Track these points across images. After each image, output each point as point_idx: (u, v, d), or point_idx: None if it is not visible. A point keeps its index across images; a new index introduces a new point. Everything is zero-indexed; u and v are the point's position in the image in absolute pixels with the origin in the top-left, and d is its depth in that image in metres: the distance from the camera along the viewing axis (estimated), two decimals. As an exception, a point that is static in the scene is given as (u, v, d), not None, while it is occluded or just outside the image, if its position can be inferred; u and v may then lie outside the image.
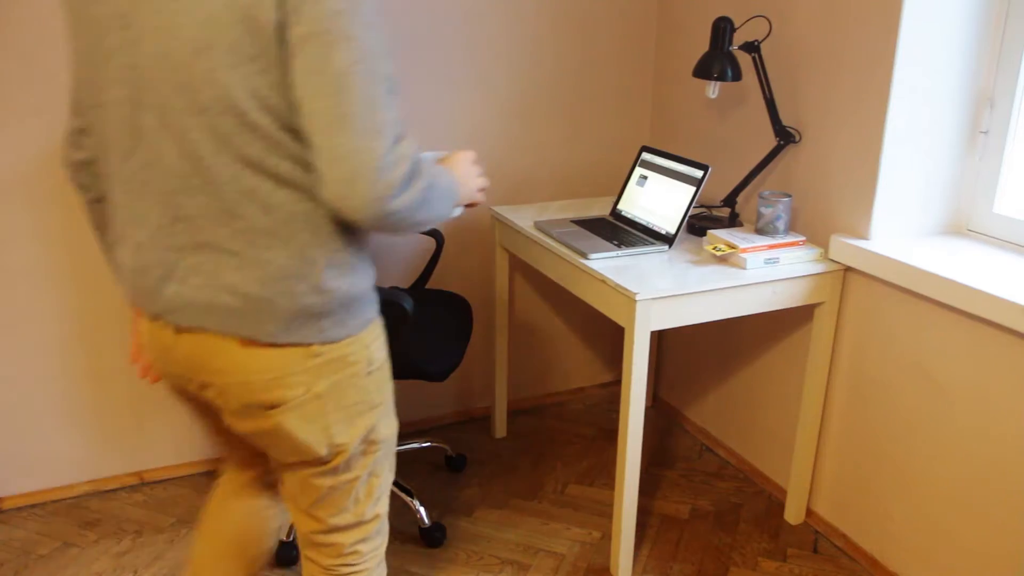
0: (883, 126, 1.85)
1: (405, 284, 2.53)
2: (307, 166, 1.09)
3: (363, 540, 1.34)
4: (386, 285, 2.51)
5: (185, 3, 1.02)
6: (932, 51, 1.82)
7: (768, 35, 2.12)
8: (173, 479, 2.41)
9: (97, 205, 1.31)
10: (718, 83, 2.10)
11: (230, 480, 1.49)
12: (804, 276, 1.94)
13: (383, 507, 1.35)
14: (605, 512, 2.27)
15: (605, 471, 2.48)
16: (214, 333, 1.14)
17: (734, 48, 2.08)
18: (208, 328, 1.14)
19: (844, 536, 2.14)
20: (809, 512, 2.25)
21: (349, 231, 1.16)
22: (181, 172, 1.08)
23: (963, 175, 1.96)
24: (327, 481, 1.26)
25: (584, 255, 1.97)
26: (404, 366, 1.97)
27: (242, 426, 1.22)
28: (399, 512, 2.27)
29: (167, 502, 2.30)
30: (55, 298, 2.15)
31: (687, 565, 2.08)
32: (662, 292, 1.79)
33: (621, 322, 1.84)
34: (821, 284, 1.98)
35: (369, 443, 1.27)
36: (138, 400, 2.32)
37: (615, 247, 2.01)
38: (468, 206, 1.37)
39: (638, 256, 1.99)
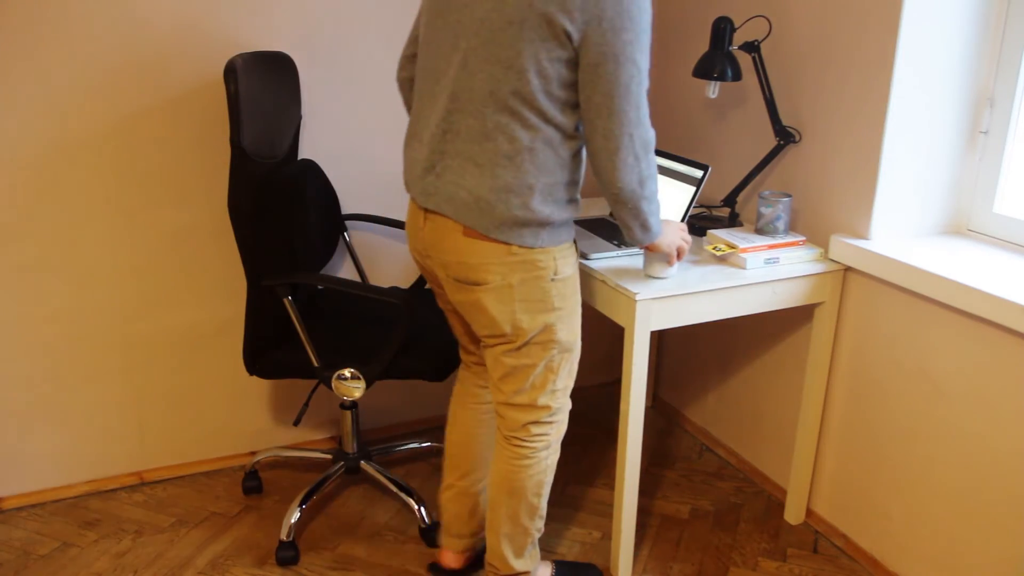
0: (883, 126, 1.85)
1: (405, 284, 2.53)
2: (547, 120, 1.47)
3: (534, 422, 1.70)
4: (386, 285, 2.51)
5: None
6: (932, 51, 1.82)
7: (768, 35, 2.12)
8: (173, 479, 2.41)
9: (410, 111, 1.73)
10: (718, 83, 2.10)
11: (462, 383, 1.93)
12: (804, 276, 1.94)
13: (556, 402, 1.70)
14: (605, 512, 2.27)
15: (605, 471, 2.48)
16: (448, 218, 1.54)
17: (734, 48, 2.08)
18: (445, 214, 1.54)
19: (844, 536, 2.14)
20: (809, 512, 2.25)
21: (563, 174, 1.55)
22: (464, 100, 1.49)
23: (963, 175, 1.96)
24: (510, 360, 1.64)
25: (584, 255, 1.97)
26: (404, 366, 1.97)
27: (455, 296, 1.63)
28: (399, 512, 2.27)
29: (167, 502, 2.30)
30: (55, 298, 2.15)
31: (687, 565, 2.08)
32: (662, 292, 1.79)
33: (621, 322, 1.84)
34: (821, 284, 1.98)
35: (547, 339, 1.62)
36: (138, 400, 2.32)
37: (615, 247, 2.01)
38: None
39: (638, 256, 1.99)
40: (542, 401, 1.68)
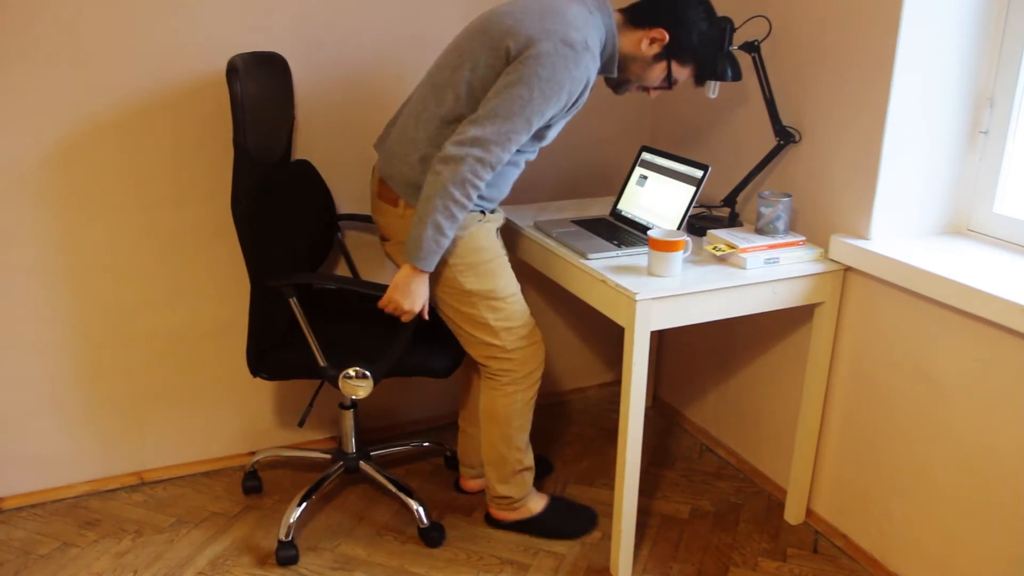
0: (883, 126, 1.84)
1: (405, 284, 2.53)
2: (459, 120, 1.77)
3: (491, 358, 1.98)
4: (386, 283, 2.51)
5: (465, 36, 1.81)
6: (932, 51, 1.82)
7: (768, 35, 2.12)
8: (173, 479, 2.41)
9: None
10: (718, 83, 2.10)
11: None
12: (804, 276, 1.94)
13: (501, 340, 1.94)
14: (605, 512, 2.27)
15: (605, 471, 2.48)
16: (385, 184, 1.91)
17: (734, 48, 2.08)
18: (384, 177, 1.91)
19: (844, 536, 2.14)
20: (809, 512, 2.25)
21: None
22: (418, 101, 1.87)
23: (963, 175, 1.96)
24: (442, 308, 1.96)
25: (584, 255, 1.97)
26: (410, 363, 1.98)
27: (386, 249, 2.01)
28: (398, 512, 2.27)
29: (167, 502, 2.30)
30: (55, 298, 2.15)
31: (687, 565, 2.08)
32: (662, 292, 1.79)
33: (621, 322, 1.84)
34: (821, 284, 1.98)
35: (453, 288, 1.90)
36: (138, 400, 2.32)
37: (615, 247, 2.01)
38: (394, 311, 1.86)
39: (638, 256, 1.98)
40: (488, 340, 1.94)
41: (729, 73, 2.06)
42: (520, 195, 2.60)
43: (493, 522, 2.19)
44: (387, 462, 2.50)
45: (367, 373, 1.91)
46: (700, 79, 1.92)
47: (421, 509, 2.13)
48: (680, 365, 2.75)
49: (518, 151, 1.83)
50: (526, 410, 2.04)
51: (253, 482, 2.34)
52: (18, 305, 2.12)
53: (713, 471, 2.50)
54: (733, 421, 2.53)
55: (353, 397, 1.94)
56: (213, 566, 2.04)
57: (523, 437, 2.06)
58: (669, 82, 1.90)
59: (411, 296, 1.82)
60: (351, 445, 2.23)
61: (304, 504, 2.12)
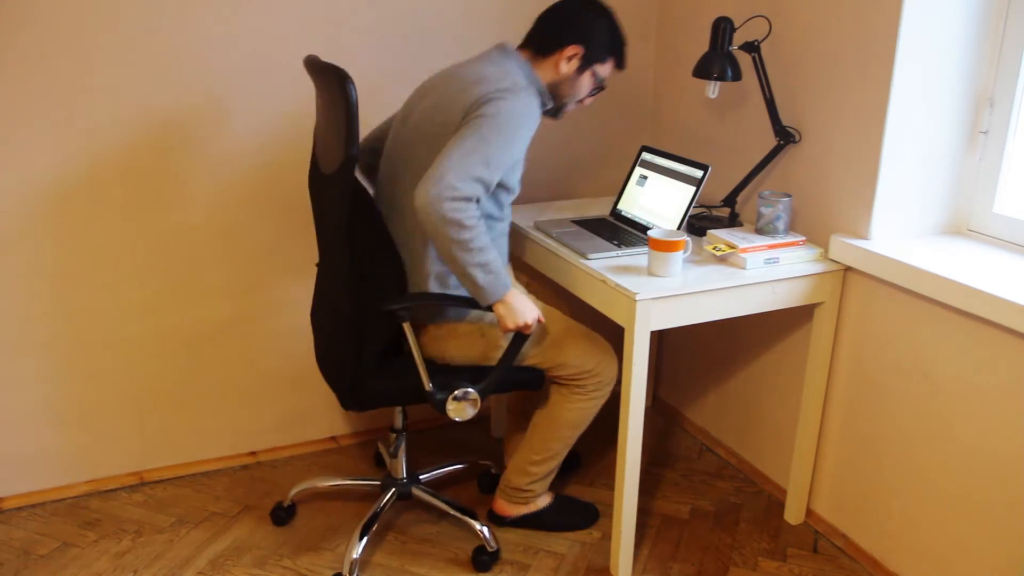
0: (883, 126, 1.84)
1: (405, 284, 2.53)
2: None
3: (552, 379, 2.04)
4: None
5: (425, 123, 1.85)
6: (932, 51, 1.82)
7: (768, 35, 2.12)
8: (173, 479, 2.41)
9: None
10: (718, 83, 2.10)
11: None
12: (804, 276, 1.94)
13: (545, 365, 1.98)
14: (605, 512, 2.27)
15: (605, 471, 2.48)
16: None
17: (734, 48, 2.08)
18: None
19: (844, 536, 2.14)
20: (809, 512, 2.25)
21: None
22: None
23: (963, 175, 1.96)
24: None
25: (584, 255, 1.97)
26: (513, 378, 1.96)
27: None
28: (398, 512, 2.26)
29: (167, 502, 2.30)
30: (55, 298, 2.15)
31: (687, 565, 2.08)
32: (662, 292, 1.79)
33: (621, 322, 1.84)
34: (821, 284, 1.98)
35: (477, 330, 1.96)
36: (138, 400, 2.32)
37: (615, 247, 2.01)
38: (518, 331, 1.82)
39: (638, 256, 1.98)
40: (550, 363, 1.98)
41: (729, 73, 2.06)
42: (520, 195, 2.59)
43: (497, 519, 2.19)
44: (435, 484, 2.34)
45: (474, 393, 1.85)
46: (621, 65, 1.99)
47: (486, 530, 2.06)
48: (680, 365, 2.75)
49: (490, 215, 1.86)
50: (594, 415, 2.07)
51: (284, 514, 2.20)
52: (18, 305, 2.12)
53: (713, 471, 2.50)
54: (733, 421, 2.53)
55: (458, 419, 1.85)
56: (213, 566, 2.04)
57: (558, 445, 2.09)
58: (600, 86, 1.97)
59: (518, 313, 1.80)
60: (402, 471, 2.15)
61: (365, 539, 2.01)
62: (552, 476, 2.14)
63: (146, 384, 2.32)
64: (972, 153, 1.94)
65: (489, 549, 2.04)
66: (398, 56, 2.29)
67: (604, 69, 1.95)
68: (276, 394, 2.49)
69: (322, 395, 2.53)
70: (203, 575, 2.01)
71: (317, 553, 2.09)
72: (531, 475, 2.10)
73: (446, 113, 1.80)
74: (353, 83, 1.65)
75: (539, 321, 1.85)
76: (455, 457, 2.49)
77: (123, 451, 2.35)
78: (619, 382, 1.96)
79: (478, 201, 1.72)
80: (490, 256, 1.73)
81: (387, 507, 2.13)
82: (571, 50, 1.88)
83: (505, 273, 1.79)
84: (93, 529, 2.18)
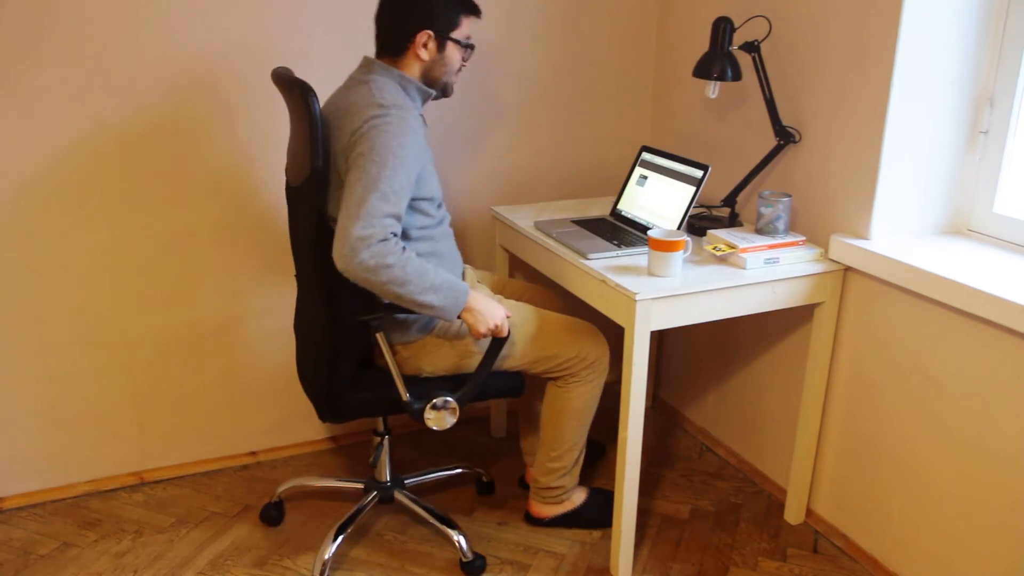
0: (883, 126, 1.84)
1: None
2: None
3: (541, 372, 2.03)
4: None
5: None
6: (932, 51, 1.81)
7: (768, 35, 2.12)
8: (173, 479, 2.41)
9: None
10: (718, 83, 2.10)
11: None
12: (804, 276, 1.94)
13: (532, 358, 1.97)
14: (605, 512, 2.27)
15: (605, 471, 2.48)
16: None
17: (734, 48, 2.08)
18: None
19: (844, 536, 2.14)
20: (809, 512, 2.25)
21: None
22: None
23: (963, 175, 1.96)
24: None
25: (584, 255, 1.97)
26: (493, 386, 1.96)
27: None
28: (397, 513, 2.26)
29: (167, 502, 2.30)
30: (55, 298, 2.15)
31: (687, 565, 2.08)
32: (662, 292, 1.79)
33: (621, 322, 1.84)
34: (821, 284, 1.98)
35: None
36: (138, 400, 2.32)
37: (615, 247, 2.01)
38: (494, 336, 1.82)
39: (638, 256, 1.98)
40: (529, 361, 1.98)
41: (729, 73, 2.06)
42: (520, 195, 2.60)
43: (535, 521, 2.19)
44: (420, 490, 2.36)
45: (453, 402, 1.84)
46: (476, 14, 1.90)
47: (463, 540, 2.02)
48: (680, 365, 2.75)
49: (423, 227, 1.82)
50: (598, 397, 2.07)
51: (275, 512, 2.21)
52: (18, 305, 2.12)
53: (713, 471, 2.50)
54: (733, 421, 2.53)
55: (436, 428, 1.84)
56: (213, 566, 2.04)
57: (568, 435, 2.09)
58: (467, 49, 1.90)
59: (487, 316, 1.79)
60: (386, 474, 2.15)
61: (339, 539, 2.01)
62: (578, 468, 2.14)
63: (146, 384, 2.32)
64: (972, 153, 1.94)
65: (463, 560, 2.01)
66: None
67: (462, 32, 1.87)
68: (276, 394, 2.49)
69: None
70: (203, 575, 2.01)
71: (317, 553, 2.09)
72: (555, 471, 2.10)
73: (335, 157, 1.75)
74: (316, 96, 1.67)
75: (507, 317, 1.82)
76: (456, 459, 2.49)
77: (123, 451, 2.35)
78: (619, 380, 1.96)
79: (395, 234, 1.67)
80: (433, 276, 1.70)
81: (366, 510, 2.13)
82: (421, 37, 1.81)
83: (457, 281, 1.75)
84: (93, 529, 2.18)
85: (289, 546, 2.12)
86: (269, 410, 2.49)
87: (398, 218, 1.68)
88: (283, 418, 2.52)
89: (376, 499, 2.14)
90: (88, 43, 1.99)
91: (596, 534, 2.19)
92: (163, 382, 2.33)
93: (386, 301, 1.78)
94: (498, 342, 1.84)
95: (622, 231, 2.14)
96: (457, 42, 1.87)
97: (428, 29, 1.81)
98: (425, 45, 1.82)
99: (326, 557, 1.98)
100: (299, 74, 2.20)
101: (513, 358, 1.95)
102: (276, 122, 2.23)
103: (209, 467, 2.46)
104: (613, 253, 1.98)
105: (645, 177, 2.24)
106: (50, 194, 2.07)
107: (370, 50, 1.89)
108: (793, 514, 2.24)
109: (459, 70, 1.93)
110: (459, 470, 2.35)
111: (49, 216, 2.08)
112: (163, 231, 2.21)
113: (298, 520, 2.22)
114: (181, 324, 2.30)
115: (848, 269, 1.99)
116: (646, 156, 2.27)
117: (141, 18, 2.02)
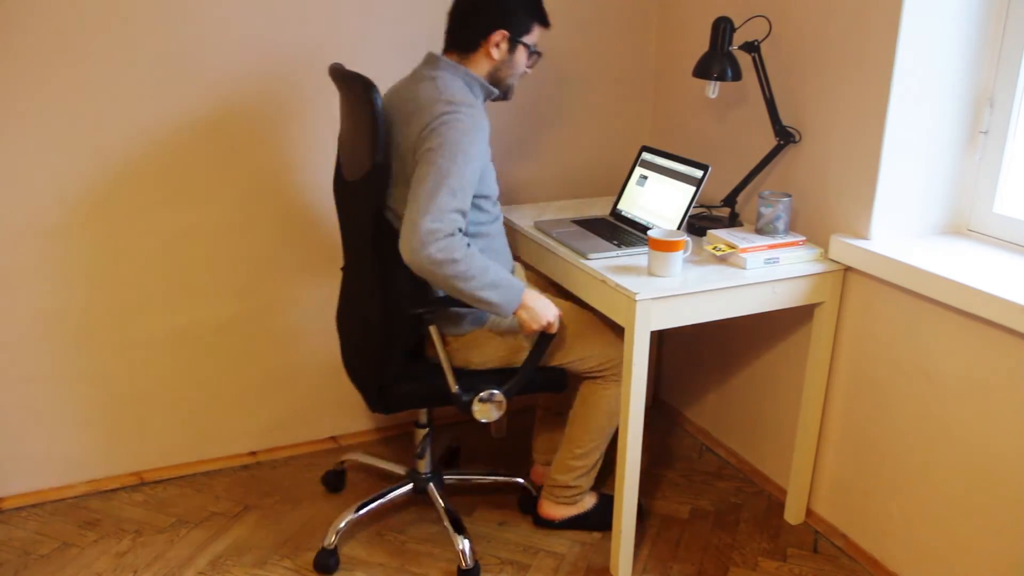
0: (883, 126, 1.85)
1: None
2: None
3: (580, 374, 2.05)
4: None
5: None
6: (932, 51, 1.82)
7: (768, 35, 2.12)
8: (173, 479, 2.41)
9: None
10: (718, 83, 2.10)
11: None
12: (804, 276, 1.94)
13: (563, 362, 1.99)
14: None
15: (605, 471, 2.48)
16: None
17: (734, 48, 2.08)
18: None
19: (844, 536, 2.14)
20: (809, 512, 2.25)
21: None
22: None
23: (963, 175, 1.96)
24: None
25: (584, 255, 1.97)
26: (538, 380, 1.97)
27: None
28: (397, 512, 2.26)
29: (167, 502, 2.30)
30: (55, 298, 2.15)
31: (687, 565, 2.08)
32: (662, 292, 1.79)
33: (621, 322, 1.84)
34: (821, 284, 1.98)
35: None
36: (138, 400, 2.32)
37: (615, 247, 2.01)
38: (543, 332, 1.86)
39: (638, 256, 1.98)
40: (570, 360, 2.00)
41: (729, 73, 2.06)
42: (520, 195, 2.60)
43: (545, 523, 2.18)
44: (455, 490, 2.35)
45: (500, 395, 1.86)
46: (545, 24, 1.93)
47: (467, 548, 2.00)
48: (680, 365, 2.75)
49: (479, 224, 1.85)
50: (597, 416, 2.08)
51: (335, 479, 2.32)
52: (18, 305, 2.12)
53: (713, 471, 2.50)
54: (733, 421, 2.53)
55: (484, 420, 1.86)
56: (213, 566, 2.04)
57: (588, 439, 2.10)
58: (533, 56, 1.94)
59: (540, 314, 1.82)
60: (426, 465, 2.17)
61: (361, 511, 2.07)
62: (596, 471, 2.13)
63: (146, 384, 2.32)
64: (972, 153, 1.94)
65: (463, 566, 1.99)
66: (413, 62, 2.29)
67: (532, 38, 1.90)
68: (276, 394, 2.49)
69: (322, 395, 2.53)
70: (203, 575, 2.01)
71: (331, 524, 2.09)
72: (576, 469, 2.10)
73: (400, 151, 1.77)
74: (378, 91, 1.68)
75: (559, 317, 1.87)
76: (508, 467, 2.46)
77: (123, 451, 2.35)
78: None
79: (462, 230, 1.71)
80: (493, 274, 1.74)
81: (395, 494, 2.15)
82: (496, 36, 1.84)
83: (514, 279, 1.79)
84: (93, 529, 2.17)
85: (289, 546, 2.12)
86: (269, 410, 2.49)
87: (464, 214, 1.72)
88: (283, 418, 2.52)
89: (411, 488, 2.16)
90: (89, 43, 1.99)
91: (596, 534, 2.19)
92: (163, 382, 2.33)
93: (441, 294, 1.81)
94: (546, 338, 1.87)
95: (622, 231, 2.14)
96: (527, 47, 1.90)
97: (504, 29, 1.84)
98: (498, 45, 1.86)
99: (341, 526, 2.02)
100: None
101: (559, 355, 1.96)
102: (283, 123, 2.22)
103: (209, 467, 2.46)
104: (613, 253, 1.98)
105: (645, 177, 2.24)
106: (50, 195, 2.07)
107: (412, 47, 1.88)
108: (793, 514, 2.24)
109: (522, 75, 1.96)
110: (505, 478, 2.31)
111: (49, 217, 2.08)
112: (163, 231, 2.21)
113: (299, 520, 2.22)
114: (181, 324, 2.30)
115: (848, 269, 1.99)
116: (646, 156, 2.27)
117: (141, 19, 2.02)
